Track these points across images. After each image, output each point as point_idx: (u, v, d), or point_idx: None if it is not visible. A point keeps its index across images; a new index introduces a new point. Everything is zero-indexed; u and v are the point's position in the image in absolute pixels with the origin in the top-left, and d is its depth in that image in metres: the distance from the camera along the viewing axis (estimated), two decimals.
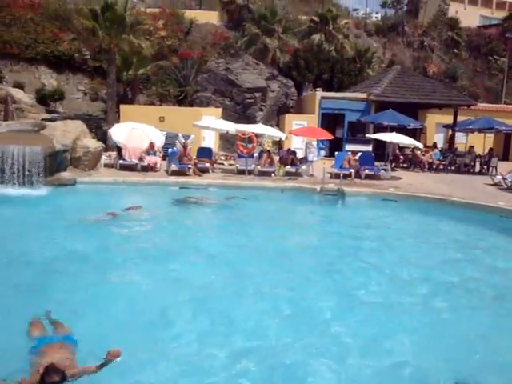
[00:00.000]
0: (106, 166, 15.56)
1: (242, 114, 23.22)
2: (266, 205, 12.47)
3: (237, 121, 20.39)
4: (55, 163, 12.62)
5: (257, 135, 16.61)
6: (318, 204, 13.09)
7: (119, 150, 16.10)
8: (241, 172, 15.77)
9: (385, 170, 17.15)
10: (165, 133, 17.69)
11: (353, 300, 6.14)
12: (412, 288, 6.75)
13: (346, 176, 15.26)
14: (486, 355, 4.92)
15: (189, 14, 31.04)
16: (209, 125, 17.84)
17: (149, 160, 15.52)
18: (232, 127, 17.05)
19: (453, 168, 20.40)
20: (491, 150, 21.05)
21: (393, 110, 20.20)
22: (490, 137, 24.45)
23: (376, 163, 17.34)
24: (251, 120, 21.95)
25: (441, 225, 11.00)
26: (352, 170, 15.85)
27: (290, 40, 29.76)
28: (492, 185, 15.67)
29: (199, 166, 15.58)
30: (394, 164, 19.96)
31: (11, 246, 7.57)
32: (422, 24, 42.84)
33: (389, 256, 8.30)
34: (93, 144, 14.63)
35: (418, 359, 4.72)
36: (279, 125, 23.66)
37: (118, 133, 16.32)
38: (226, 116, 20.82)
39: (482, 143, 21.40)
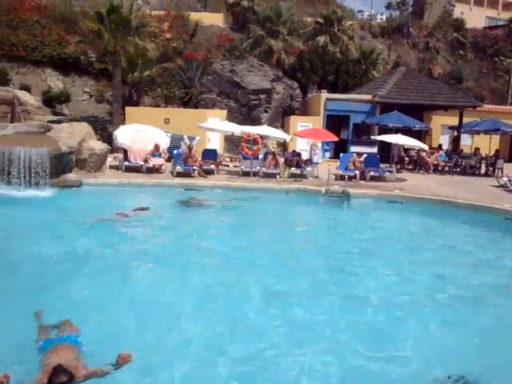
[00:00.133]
0: (111, 167, 15.64)
1: (246, 116, 23.24)
2: (271, 206, 12.49)
3: (242, 122, 20.40)
4: (61, 165, 12.69)
5: (262, 137, 16.64)
6: (324, 206, 13.09)
7: (125, 151, 16.18)
8: (246, 174, 15.80)
9: (390, 171, 17.12)
10: (170, 135, 17.72)
11: (361, 301, 6.12)
12: (423, 288, 6.77)
13: (350, 178, 15.28)
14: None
15: (194, 16, 31.14)
16: (214, 126, 17.91)
17: (154, 162, 15.59)
18: (237, 129, 17.09)
19: (458, 170, 20.32)
20: (497, 151, 20.99)
21: (398, 111, 20.14)
22: (496, 138, 24.32)
23: (381, 165, 17.32)
24: (256, 122, 21.96)
25: (445, 227, 10.95)
26: (357, 172, 15.83)
27: (294, 42, 29.78)
28: (498, 186, 15.59)
29: (204, 167, 15.63)
30: (399, 166, 19.92)
31: (18, 247, 7.62)
32: (428, 25, 42.62)
33: (395, 257, 8.29)
34: (98, 146, 14.72)
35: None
36: (284, 126, 23.68)
37: (123, 135, 16.38)
38: (231, 118, 20.85)
39: (488, 145, 21.28)
